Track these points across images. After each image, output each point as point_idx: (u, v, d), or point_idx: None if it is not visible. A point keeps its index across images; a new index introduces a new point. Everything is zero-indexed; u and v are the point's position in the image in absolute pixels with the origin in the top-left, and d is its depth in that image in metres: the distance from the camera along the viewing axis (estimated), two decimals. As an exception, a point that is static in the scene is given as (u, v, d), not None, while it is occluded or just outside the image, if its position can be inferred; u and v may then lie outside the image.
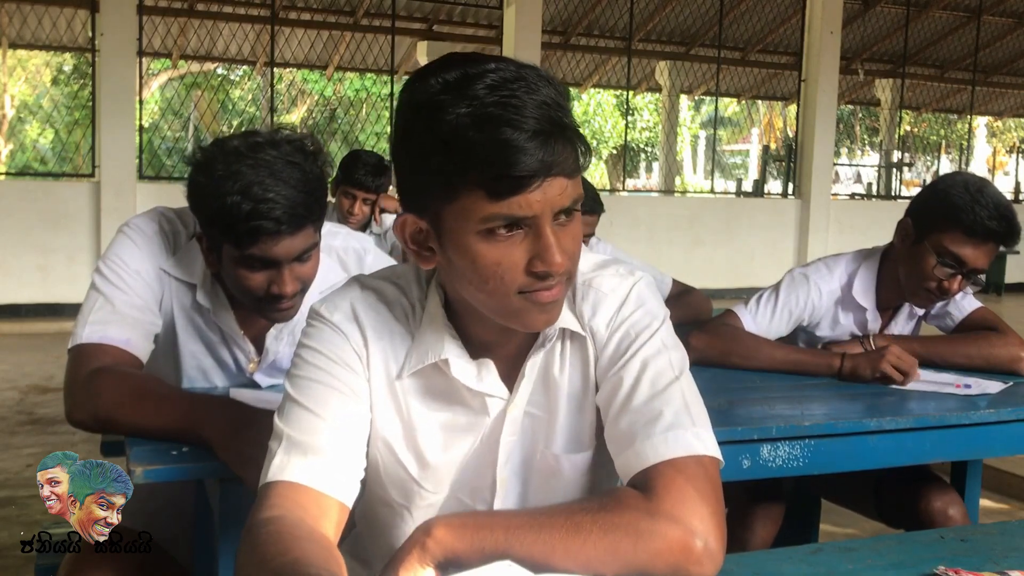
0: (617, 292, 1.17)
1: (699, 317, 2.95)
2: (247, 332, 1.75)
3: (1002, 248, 2.19)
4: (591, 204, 2.74)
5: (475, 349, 1.15)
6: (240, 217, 1.52)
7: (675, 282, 3.04)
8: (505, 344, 1.15)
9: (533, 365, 1.16)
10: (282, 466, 1.07)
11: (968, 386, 2.07)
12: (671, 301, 2.97)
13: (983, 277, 2.23)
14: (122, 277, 1.67)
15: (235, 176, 1.52)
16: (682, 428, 1.07)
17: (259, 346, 1.77)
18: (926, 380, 2.11)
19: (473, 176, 0.99)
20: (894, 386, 2.07)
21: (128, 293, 1.66)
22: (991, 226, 2.11)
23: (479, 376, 1.14)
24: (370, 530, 1.27)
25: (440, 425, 1.17)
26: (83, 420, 1.57)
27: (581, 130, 1.04)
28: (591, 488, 1.21)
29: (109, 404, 1.52)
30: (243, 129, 1.65)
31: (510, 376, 1.16)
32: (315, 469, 1.07)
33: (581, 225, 1.08)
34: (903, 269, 2.26)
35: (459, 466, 1.18)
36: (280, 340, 1.76)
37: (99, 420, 1.55)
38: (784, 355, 2.19)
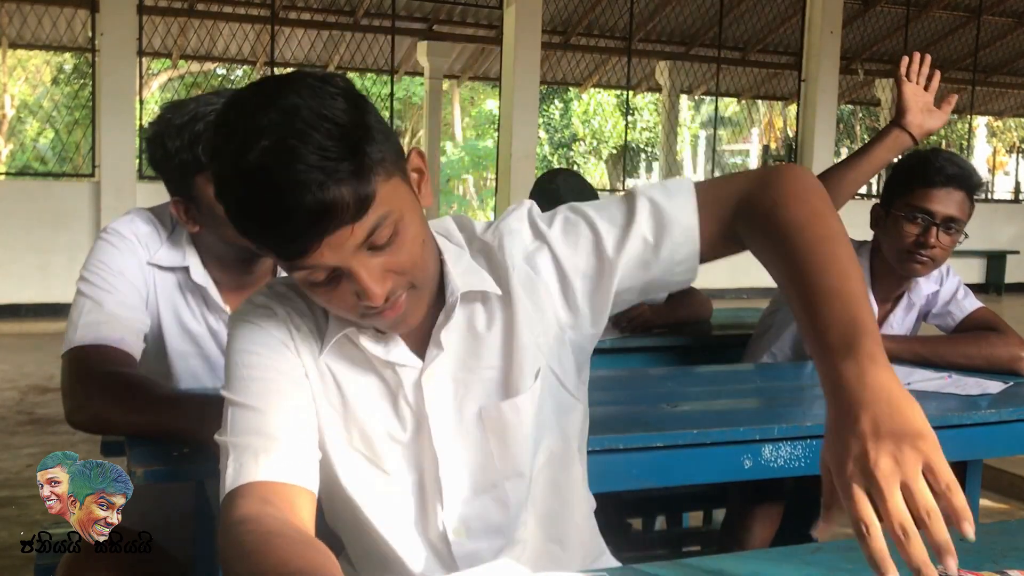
0: (516, 226, 1.20)
1: (699, 317, 2.95)
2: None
3: (966, 193, 2.23)
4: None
5: None
6: (198, 135, 1.58)
7: (675, 282, 3.03)
8: None
9: (447, 335, 1.16)
10: (236, 474, 1.07)
11: (951, 377, 2.11)
12: (671, 301, 2.97)
13: (965, 234, 2.27)
14: (107, 279, 1.68)
15: (184, 109, 1.62)
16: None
17: None
18: (924, 379, 2.11)
19: (257, 239, 1.04)
20: (918, 386, 2.07)
21: (115, 294, 1.67)
22: (946, 169, 2.21)
23: (386, 348, 1.16)
24: (352, 535, 1.25)
25: (369, 399, 1.18)
26: (83, 422, 1.57)
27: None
28: (538, 429, 1.20)
29: (108, 405, 1.52)
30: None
31: (428, 345, 1.17)
32: (270, 464, 1.07)
33: (410, 233, 1.06)
34: (885, 246, 2.31)
35: (401, 448, 1.18)
36: None
37: (99, 421, 1.55)
38: (862, 156, 2.21)
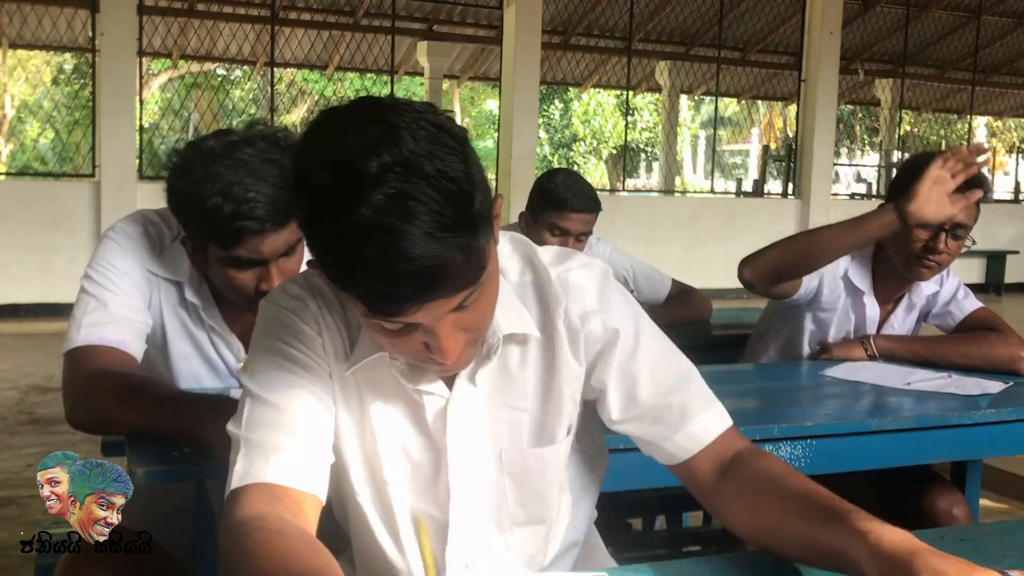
0: (586, 283, 1.17)
1: (699, 317, 2.95)
2: (234, 329, 1.76)
3: (977, 198, 2.18)
4: (589, 203, 2.74)
5: None
6: (223, 218, 1.52)
7: (675, 282, 3.04)
8: None
9: (482, 373, 1.14)
10: (245, 471, 1.06)
11: (951, 377, 2.11)
12: (670, 301, 2.97)
13: (972, 240, 2.25)
14: (111, 279, 1.68)
15: (214, 178, 1.52)
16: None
17: (247, 342, 1.77)
18: (924, 379, 2.11)
19: (352, 290, 0.96)
20: (918, 386, 2.07)
21: (119, 295, 1.67)
22: None
23: (415, 374, 1.12)
24: (354, 531, 1.25)
25: (389, 414, 1.15)
26: (84, 422, 1.57)
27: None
28: (559, 486, 1.20)
29: (109, 405, 1.52)
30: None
31: (465, 375, 1.14)
32: (281, 466, 1.05)
33: (490, 292, 1.03)
34: (891, 248, 2.28)
35: (411, 467, 1.16)
36: None
37: (100, 421, 1.56)
38: (841, 228, 2.15)
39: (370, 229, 0.90)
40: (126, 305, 1.67)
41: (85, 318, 1.64)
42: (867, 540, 0.98)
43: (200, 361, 1.77)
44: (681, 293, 3.01)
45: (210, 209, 1.52)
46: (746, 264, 2.23)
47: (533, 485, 1.18)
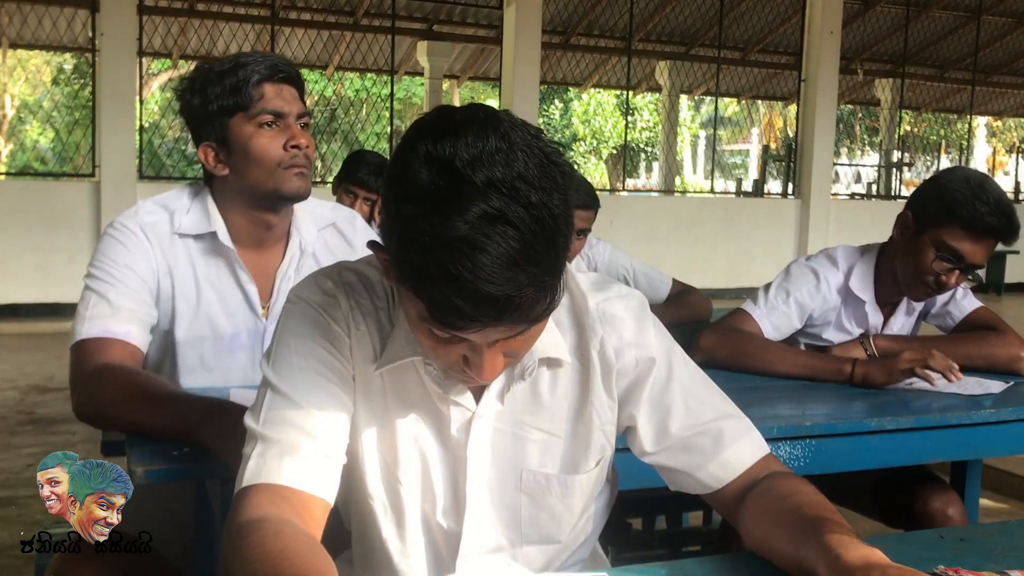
0: (624, 316, 1.17)
1: (699, 317, 2.95)
2: (254, 275, 1.82)
3: (1001, 245, 2.18)
4: (587, 200, 2.74)
5: None
6: (239, 78, 1.70)
7: (675, 282, 3.04)
8: None
9: (507, 386, 1.14)
10: (257, 470, 1.05)
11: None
12: (671, 301, 2.97)
13: (981, 272, 2.22)
14: (111, 273, 1.70)
15: (223, 62, 1.74)
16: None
17: (261, 285, 1.83)
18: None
19: (421, 294, 0.94)
20: (918, 385, 2.06)
21: (119, 286, 1.69)
22: (991, 222, 2.10)
23: (444, 385, 1.12)
24: (358, 531, 1.25)
25: (412, 418, 1.15)
26: (88, 415, 1.59)
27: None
28: (580, 512, 1.21)
29: (113, 401, 1.53)
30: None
31: (494, 392, 1.14)
32: (295, 469, 1.05)
33: (544, 324, 1.03)
34: (901, 262, 2.25)
35: (427, 471, 1.16)
36: (290, 280, 1.81)
37: (103, 415, 1.57)
38: (795, 359, 2.16)
39: (460, 242, 0.88)
40: (128, 296, 1.69)
41: (87, 312, 1.66)
42: (829, 555, 0.98)
43: (211, 345, 1.80)
44: (681, 293, 3.01)
45: (225, 75, 1.70)
46: (709, 335, 2.21)
47: (551, 508, 1.18)
